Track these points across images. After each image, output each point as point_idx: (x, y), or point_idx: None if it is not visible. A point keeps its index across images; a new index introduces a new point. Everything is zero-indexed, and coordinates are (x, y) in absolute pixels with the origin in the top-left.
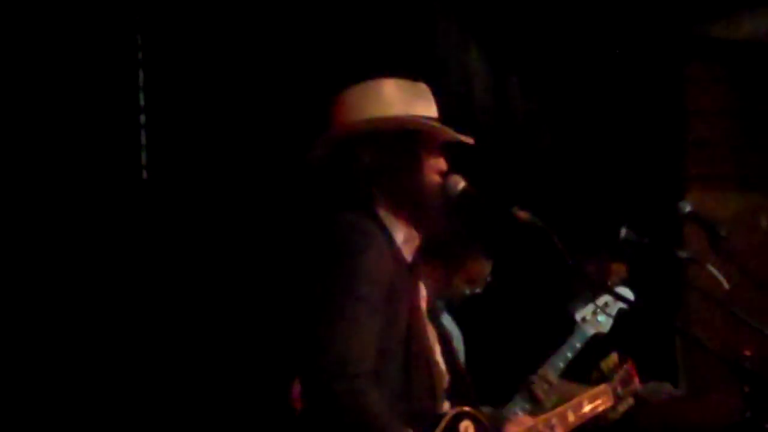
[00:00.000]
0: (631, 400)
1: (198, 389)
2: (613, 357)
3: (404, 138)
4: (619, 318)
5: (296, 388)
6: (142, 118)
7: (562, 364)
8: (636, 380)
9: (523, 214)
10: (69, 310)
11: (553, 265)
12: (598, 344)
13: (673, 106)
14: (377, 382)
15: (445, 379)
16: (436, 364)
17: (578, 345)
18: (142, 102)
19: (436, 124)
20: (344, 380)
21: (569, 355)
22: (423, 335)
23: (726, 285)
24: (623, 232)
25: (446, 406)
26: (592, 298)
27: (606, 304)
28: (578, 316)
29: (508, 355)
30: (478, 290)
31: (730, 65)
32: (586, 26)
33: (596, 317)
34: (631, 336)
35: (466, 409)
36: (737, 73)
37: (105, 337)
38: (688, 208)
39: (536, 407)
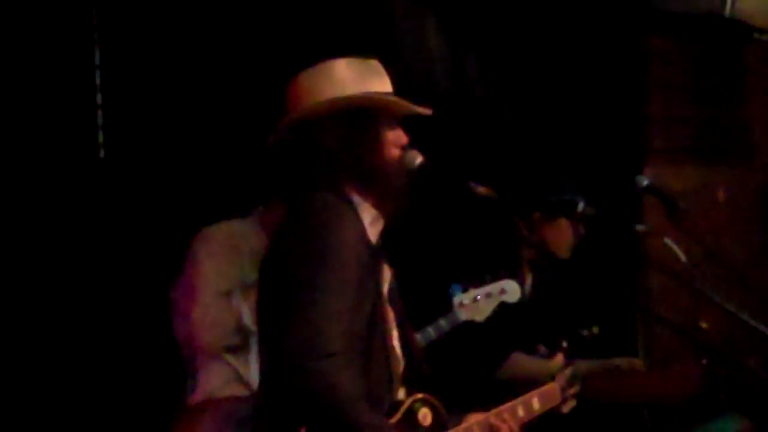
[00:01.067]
0: (574, 402)
1: (145, 375)
2: (559, 357)
3: (362, 116)
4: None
5: None
6: (99, 98)
7: (423, 344)
8: (578, 384)
9: (480, 189)
10: (24, 291)
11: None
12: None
13: (632, 80)
14: (347, 364)
15: (401, 364)
16: (393, 349)
17: (446, 327)
18: (98, 81)
19: (392, 98)
20: (315, 360)
21: (432, 334)
22: (384, 319)
23: (684, 258)
24: (581, 205)
25: (401, 393)
26: (479, 285)
27: (489, 295)
28: (456, 300)
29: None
30: None
31: (689, 39)
32: (545, 2)
33: (476, 305)
34: (590, 310)
35: (425, 396)
36: (696, 47)
37: (60, 320)
38: (646, 182)
39: None
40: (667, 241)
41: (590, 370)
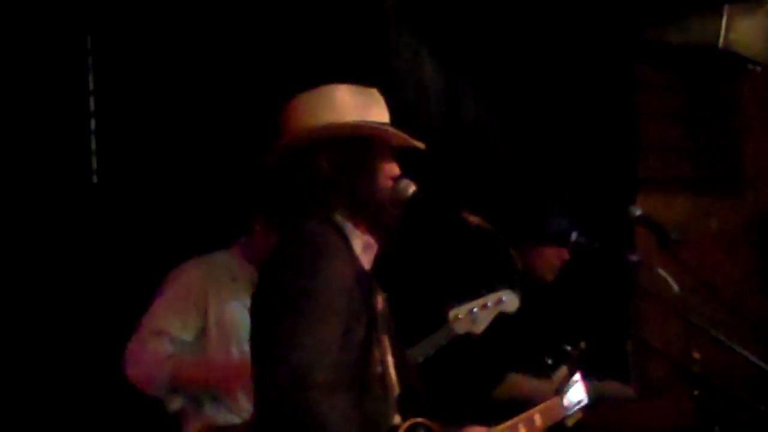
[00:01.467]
0: (579, 414)
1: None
2: (563, 370)
3: (360, 144)
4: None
5: None
6: (93, 123)
7: (420, 359)
8: (585, 395)
9: (473, 218)
10: (16, 313)
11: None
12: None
13: (624, 110)
14: (333, 394)
15: (396, 390)
16: (389, 375)
17: (443, 341)
18: (92, 107)
19: (392, 129)
20: (300, 391)
21: (430, 350)
22: (379, 346)
23: (676, 288)
24: (574, 235)
25: (397, 419)
26: (475, 297)
27: (485, 306)
28: (451, 314)
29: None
30: None
31: (681, 69)
32: (538, 31)
33: (471, 317)
34: (582, 337)
35: (420, 420)
36: (687, 78)
37: (52, 342)
38: (638, 212)
39: None
40: (660, 271)
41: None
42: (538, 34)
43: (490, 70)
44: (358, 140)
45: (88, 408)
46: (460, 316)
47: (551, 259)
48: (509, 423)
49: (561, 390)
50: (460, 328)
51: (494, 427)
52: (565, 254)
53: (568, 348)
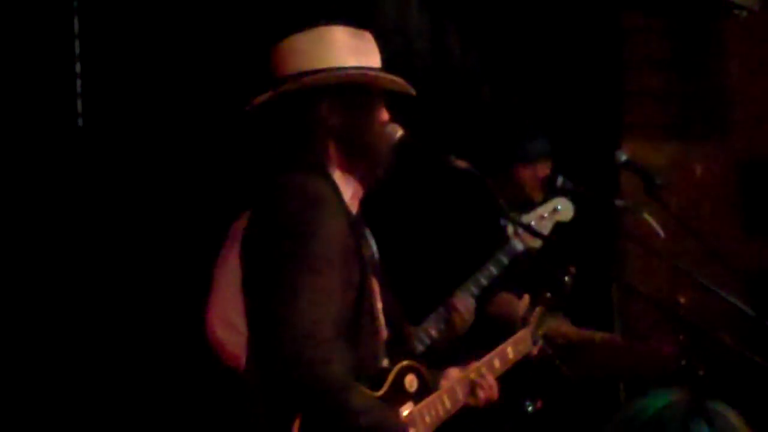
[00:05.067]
0: (542, 343)
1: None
2: (525, 299)
3: (359, 90)
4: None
5: None
6: (78, 67)
7: (485, 281)
8: (549, 321)
9: (460, 163)
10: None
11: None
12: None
13: (610, 56)
14: (338, 347)
15: (385, 333)
16: (378, 319)
17: (505, 260)
18: (77, 50)
19: (391, 76)
20: (307, 350)
21: (494, 270)
22: (371, 291)
23: (662, 233)
24: (560, 180)
25: (385, 361)
26: (529, 210)
27: (542, 217)
28: (510, 230)
29: (432, 270)
30: None
31: (666, 16)
32: None
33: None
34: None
35: (410, 362)
36: (673, 23)
37: (36, 293)
38: (623, 157)
39: (449, 328)
40: (646, 216)
41: (567, 337)
42: None
43: (476, 16)
44: (358, 86)
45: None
46: (519, 231)
47: (536, 176)
48: (485, 359)
49: (526, 320)
50: (521, 245)
51: (470, 366)
52: (547, 169)
53: (562, 275)
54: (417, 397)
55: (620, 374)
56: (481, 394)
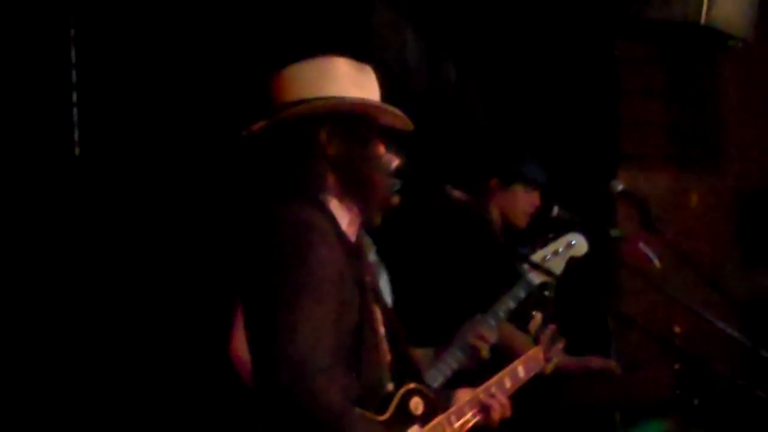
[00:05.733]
0: (557, 360)
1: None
2: (537, 318)
3: (358, 120)
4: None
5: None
6: (75, 96)
7: (503, 315)
8: (560, 341)
9: (456, 193)
10: None
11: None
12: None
13: (606, 86)
14: (336, 376)
15: (388, 357)
16: (381, 344)
17: (522, 295)
18: (74, 79)
19: (392, 109)
20: (304, 380)
21: (512, 304)
22: (372, 317)
23: (657, 263)
24: (555, 210)
25: (390, 386)
26: (543, 245)
27: (556, 252)
28: (525, 265)
29: (447, 300)
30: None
31: (662, 45)
32: (521, 4)
33: (546, 265)
34: (562, 314)
35: (414, 386)
36: (668, 54)
37: (32, 319)
38: (620, 187)
39: (471, 356)
40: (641, 246)
41: (566, 368)
42: (521, 8)
43: (473, 45)
44: (358, 116)
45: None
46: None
47: (524, 202)
48: (495, 379)
49: (538, 337)
50: (537, 278)
51: (481, 386)
52: (537, 199)
53: (546, 294)
54: (423, 419)
55: (616, 403)
56: (494, 415)
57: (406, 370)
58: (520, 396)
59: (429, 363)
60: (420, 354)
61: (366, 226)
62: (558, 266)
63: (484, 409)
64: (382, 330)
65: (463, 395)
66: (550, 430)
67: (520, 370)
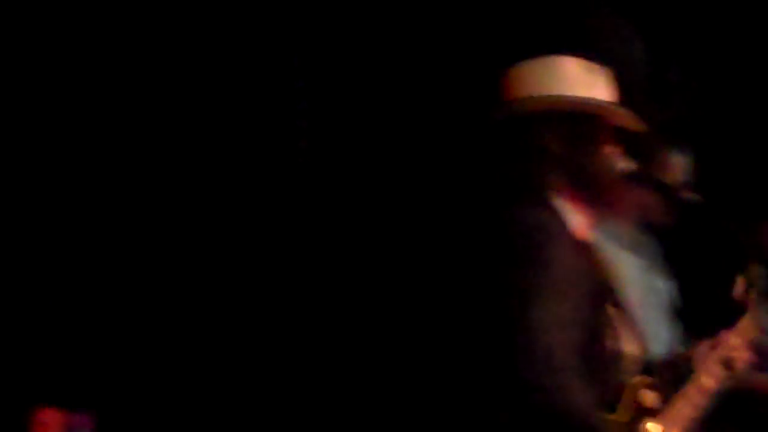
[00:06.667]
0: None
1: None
2: (740, 283)
3: (587, 120)
4: None
5: None
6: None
7: None
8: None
9: (689, 194)
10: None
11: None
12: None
13: None
14: (579, 375)
15: (626, 356)
16: (617, 343)
17: None
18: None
19: (623, 110)
20: (553, 376)
21: None
22: (607, 317)
23: None
24: None
25: (628, 382)
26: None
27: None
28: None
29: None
30: None
31: None
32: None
33: None
34: None
35: (645, 379)
36: None
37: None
38: None
39: None
40: None
41: None
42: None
43: (698, 48)
44: (584, 116)
45: None
46: None
47: None
48: (735, 329)
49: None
50: None
51: (718, 338)
52: None
53: None
54: (659, 412)
55: None
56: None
57: (645, 367)
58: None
59: None
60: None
61: (650, 225)
62: None
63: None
64: (618, 329)
65: (702, 352)
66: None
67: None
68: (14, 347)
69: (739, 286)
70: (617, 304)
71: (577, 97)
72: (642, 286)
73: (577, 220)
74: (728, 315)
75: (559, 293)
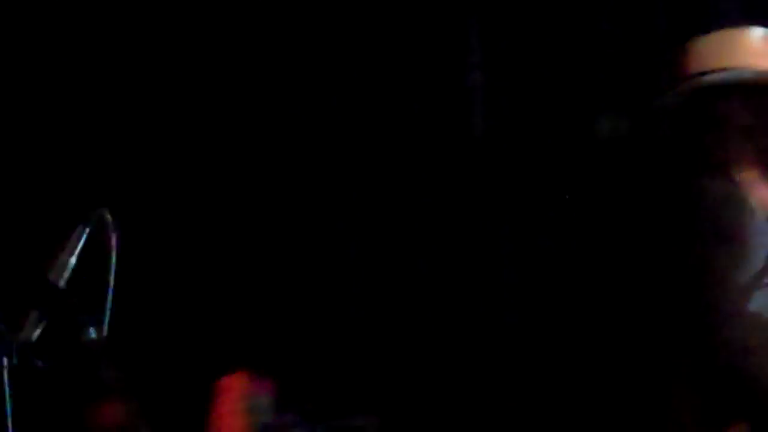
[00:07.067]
0: None
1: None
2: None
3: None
4: None
5: None
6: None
7: None
8: None
9: None
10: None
11: None
12: None
13: None
14: None
15: None
16: None
17: None
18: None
19: None
20: (758, 335)
21: None
22: None
23: None
24: None
25: None
26: None
27: None
28: None
29: None
30: None
31: None
32: None
33: None
34: None
35: None
36: None
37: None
38: None
39: None
40: None
41: None
42: None
43: None
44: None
45: None
46: None
47: None
48: None
49: None
50: None
51: None
52: None
53: None
54: None
55: None
56: None
57: None
58: None
59: None
60: None
61: None
62: None
63: None
64: None
65: None
66: None
67: None
68: (199, 313)
69: None
70: None
71: (757, 69)
72: None
73: (761, 194)
74: None
75: (757, 264)
